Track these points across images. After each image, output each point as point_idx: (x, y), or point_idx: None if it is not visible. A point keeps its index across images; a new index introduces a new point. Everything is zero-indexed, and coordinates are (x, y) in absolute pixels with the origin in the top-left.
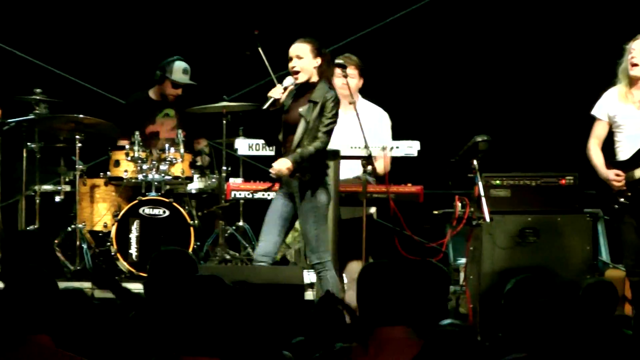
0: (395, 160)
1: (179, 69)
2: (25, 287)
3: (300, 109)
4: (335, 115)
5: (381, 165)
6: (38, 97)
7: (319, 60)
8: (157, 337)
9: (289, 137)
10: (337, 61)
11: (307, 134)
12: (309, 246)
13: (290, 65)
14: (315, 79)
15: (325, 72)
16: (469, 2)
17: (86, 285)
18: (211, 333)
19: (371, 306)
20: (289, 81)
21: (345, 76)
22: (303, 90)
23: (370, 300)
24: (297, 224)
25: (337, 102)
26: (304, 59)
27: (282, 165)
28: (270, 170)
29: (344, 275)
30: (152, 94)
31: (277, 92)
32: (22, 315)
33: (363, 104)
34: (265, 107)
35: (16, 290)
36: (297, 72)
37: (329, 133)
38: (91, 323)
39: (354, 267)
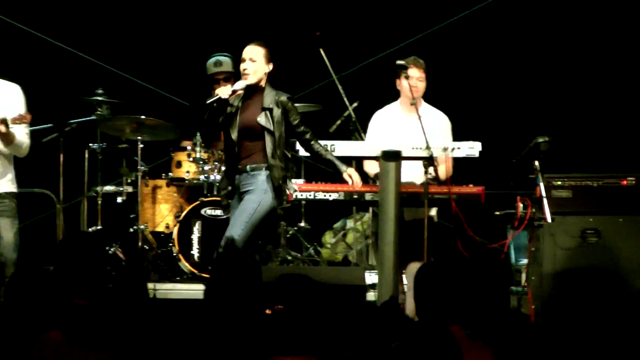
0: (456, 161)
1: (210, 64)
2: (35, 286)
3: (259, 119)
4: (299, 112)
5: (443, 170)
6: (100, 98)
7: (270, 66)
8: (220, 339)
9: (245, 143)
10: (398, 62)
11: (278, 143)
12: (230, 224)
13: (242, 66)
14: (263, 84)
15: (272, 79)
16: (529, 2)
17: (148, 286)
18: (305, 332)
19: (428, 305)
20: (240, 85)
21: (407, 77)
22: (251, 93)
23: (428, 300)
24: (358, 225)
25: (294, 100)
26: (257, 62)
27: (356, 175)
28: (356, 184)
29: (403, 276)
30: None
31: (225, 92)
32: (34, 314)
33: (424, 107)
34: (209, 101)
35: (27, 290)
36: (248, 75)
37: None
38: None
39: (415, 269)
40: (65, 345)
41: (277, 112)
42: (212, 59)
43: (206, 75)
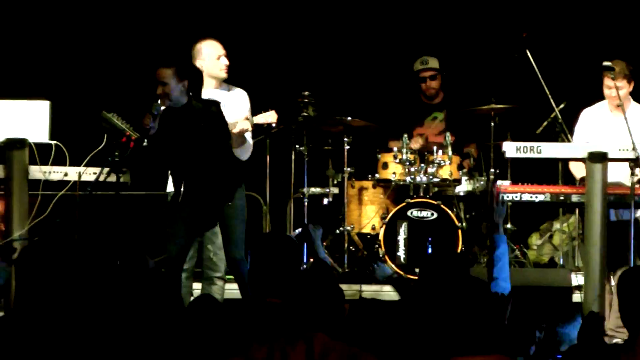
0: None
1: (417, 62)
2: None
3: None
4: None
5: None
6: (307, 100)
7: (185, 83)
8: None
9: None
10: (604, 64)
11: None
12: (233, 244)
13: (158, 91)
14: (185, 100)
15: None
16: None
17: (354, 287)
18: (484, 332)
19: (633, 310)
20: (158, 109)
21: (613, 79)
22: (180, 111)
23: (632, 304)
24: (564, 226)
25: (220, 105)
26: (168, 84)
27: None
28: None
29: (611, 277)
30: (421, 96)
31: (148, 122)
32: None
33: (632, 106)
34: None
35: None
36: (163, 98)
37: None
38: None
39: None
40: (332, 342)
41: (215, 123)
42: (419, 59)
43: (416, 74)
